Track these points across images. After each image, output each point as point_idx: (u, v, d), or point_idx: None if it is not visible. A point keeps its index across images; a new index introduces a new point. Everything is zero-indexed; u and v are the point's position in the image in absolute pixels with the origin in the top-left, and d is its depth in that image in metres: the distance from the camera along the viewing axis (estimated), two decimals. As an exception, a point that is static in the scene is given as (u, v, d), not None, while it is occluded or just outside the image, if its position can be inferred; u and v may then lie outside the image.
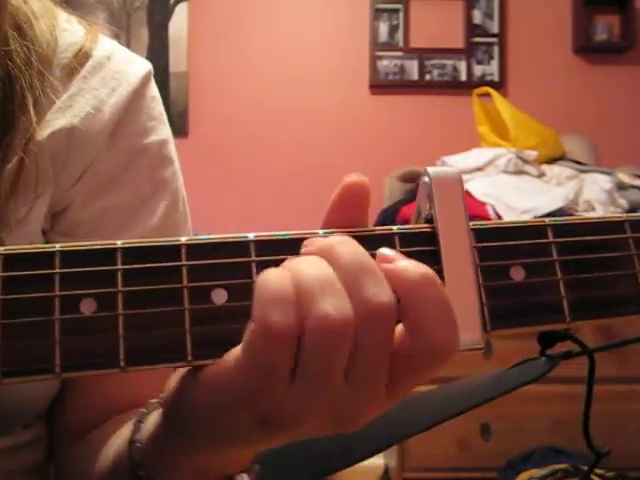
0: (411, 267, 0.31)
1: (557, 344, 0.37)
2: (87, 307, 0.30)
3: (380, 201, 2.62)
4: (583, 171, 2.39)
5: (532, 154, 2.36)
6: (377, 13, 2.83)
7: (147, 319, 0.31)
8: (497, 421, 1.98)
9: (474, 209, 2.22)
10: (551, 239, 0.34)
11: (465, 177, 2.32)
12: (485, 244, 0.34)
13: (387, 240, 0.33)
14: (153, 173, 0.57)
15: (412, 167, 2.63)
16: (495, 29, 2.86)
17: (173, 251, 0.32)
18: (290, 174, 2.82)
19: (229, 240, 0.32)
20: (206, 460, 0.36)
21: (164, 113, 0.60)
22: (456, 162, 2.37)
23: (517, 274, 0.33)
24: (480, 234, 0.34)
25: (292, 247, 0.33)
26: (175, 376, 0.35)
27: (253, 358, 0.30)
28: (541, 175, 2.38)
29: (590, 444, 0.38)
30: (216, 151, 2.80)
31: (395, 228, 0.34)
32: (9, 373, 0.29)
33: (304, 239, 0.33)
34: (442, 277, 0.32)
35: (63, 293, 0.30)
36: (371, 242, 0.33)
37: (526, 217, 2.15)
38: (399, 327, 0.31)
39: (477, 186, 2.27)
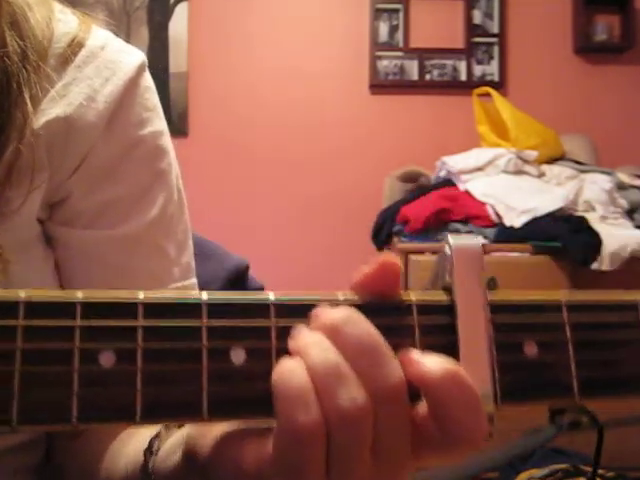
0: (435, 365, 0.31)
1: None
2: (106, 360, 0.31)
3: (380, 201, 2.62)
4: (583, 171, 2.39)
5: (532, 154, 2.36)
6: (377, 13, 2.83)
7: (165, 375, 0.31)
8: (497, 421, 1.98)
9: (474, 209, 2.22)
10: (565, 317, 0.35)
11: (465, 177, 2.32)
12: (501, 319, 0.34)
13: (405, 310, 0.34)
14: (150, 164, 0.57)
15: (412, 167, 2.63)
16: (495, 29, 2.86)
17: (194, 309, 0.32)
18: (290, 174, 2.82)
19: (250, 302, 0.33)
20: None
21: (159, 104, 0.60)
22: (456, 162, 2.37)
23: (530, 350, 0.34)
24: (496, 307, 0.34)
25: (310, 310, 0.34)
26: (206, 440, 0.35)
27: (285, 458, 0.30)
28: (541, 175, 2.38)
29: None
30: (216, 151, 2.81)
31: (414, 298, 0.34)
32: (24, 421, 0.30)
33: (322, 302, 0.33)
34: (457, 349, 0.33)
35: (83, 346, 0.31)
36: (388, 312, 0.34)
37: (526, 217, 2.15)
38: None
39: (477, 186, 2.27)
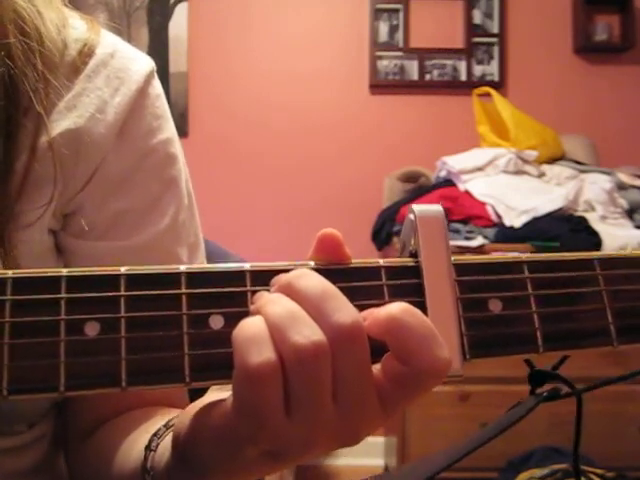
0: (390, 305, 0.33)
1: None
2: (91, 329, 0.32)
3: (380, 201, 2.62)
4: (583, 171, 2.39)
5: (532, 154, 2.36)
6: (377, 13, 2.83)
7: (148, 342, 0.32)
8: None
9: (474, 209, 2.22)
10: (527, 274, 0.37)
11: (465, 177, 2.32)
12: (466, 278, 0.36)
13: (374, 273, 0.36)
14: (162, 173, 0.57)
15: (412, 167, 2.63)
16: (495, 29, 2.86)
17: (174, 279, 0.34)
18: (290, 174, 2.82)
19: (226, 270, 0.34)
20: None
21: (167, 109, 0.60)
22: (456, 162, 2.37)
23: (495, 306, 0.36)
24: (461, 268, 0.36)
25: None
26: (186, 417, 0.36)
27: (242, 401, 0.31)
28: (541, 175, 2.38)
29: (578, 475, 0.40)
30: (216, 151, 2.80)
31: (381, 262, 0.36)
32: (15, 390, 0.31)
33: (294, 269, 0.35)
34: (425, 308, 0.35)
35: (68, 317, 0.32)
36: (358, 275, 0.35)
37: (526, 217, 2.15)
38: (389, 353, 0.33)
39: (477, 186, 2.27)
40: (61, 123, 0.52)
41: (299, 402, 0.31)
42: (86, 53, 0.54)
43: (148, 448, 0.43)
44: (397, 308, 0.32)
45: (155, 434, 0.44)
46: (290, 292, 0.33)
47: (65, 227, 0.54)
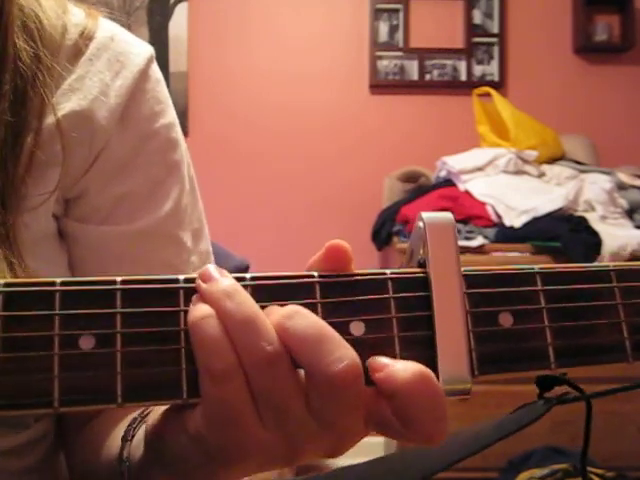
0: (405, 367, 0.31)
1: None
2: (86, 343, 0.31)
3: (380, 201, 2.62)
4: (583, 171, 2.39)
5: (532, 154, 2.36)
6: (377, 13, 2.83)
7: (144, 357, 0.32)
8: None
9: (474, 209, 2.22)
10: (539, 287, 0.35)
11: (465, 177, 2.32)
12: (475, 290, 0.35)
13: (380, 285, 0.34)
14: (164, 157, 0.57)
15: (412, 167, 2.63)
16: (495, 29, 2.86)
17: (171, 293, 0.33)
18: (290, 175, 2.82)
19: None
20: None
21: (168, 95, 0.60)
22: (456, 162, 2.37)
23: (505, 320, 0.34)
24: (471, 280, 0.35)
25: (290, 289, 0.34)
26: (157, 412, 0.36)
27: (210, 406, 0.31)
28: (541, 175, 2.38)
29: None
30: (216, 151, 2.80)
31: (389, 272, 0.35)
32: (6, 406, 0.30)
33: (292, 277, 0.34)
34: (433, 322, 0.33)
35: (63, 332, 0.31)
36: (364, 287, 0.34)
37: (526, 217, 2.15)
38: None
39: (477, 186, 2.27)
40: (65, 105, 0.52)
41: (268, 409, 0.31)
42: (86, 36, 0.54)
43: (124, 439, 0.43)
44: (410, 373, 0.31)
45: (131, 424, 0.44)
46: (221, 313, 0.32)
47: (68, 212, 0.54)
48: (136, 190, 0.55)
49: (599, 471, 1.78)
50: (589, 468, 1.77)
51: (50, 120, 0.50)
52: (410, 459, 0.42)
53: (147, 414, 0.43)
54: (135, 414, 0.45)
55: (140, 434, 0.42)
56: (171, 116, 0.59)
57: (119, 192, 0.54)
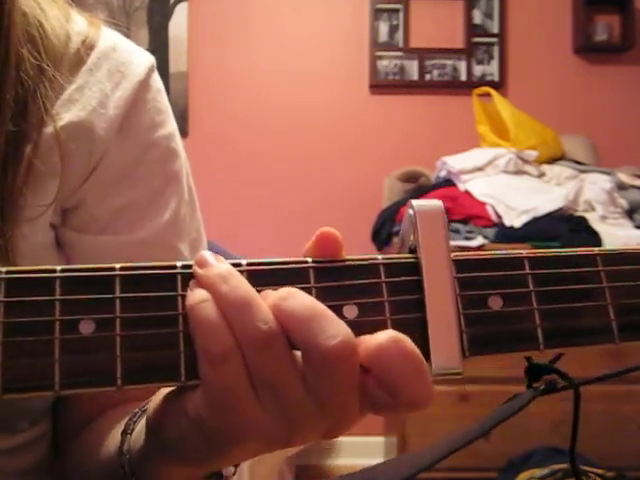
0: (380, 335, 0.32)
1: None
2: (86, 327, 0.32)
3: (380, 201, 2.62)
4: (583, 171, 2.39)
5: (532, 154, 2.36)
6: (377, 13, 2.83)
7: (143, 341, 0.32)
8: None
9: (474, 209, 2.22)
10: (528, 270, 0.36)
11: (465, 177, 2.32)
12: (465, 274, 0.36)
13: (372, 270, 0.35)
14: (163, 167, 0.57)
15: (412, 167, 2.63)
16: (495, 29, 2.86)
17: (169, 279, 0.34)
18: (290, 174, 2.82)
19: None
20: (192, 472, 0.38)
21: (169, 105, 0.60)
22: (456, 162, 2.37)
23: (495, 303, 0.35)
24: (461, 265, 0.36)
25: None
26: (158, 397, 0.36)
27: (210, 388, 0.32)
28: (541, 175, 2.38)
29: (577, 472, 0.39)
30: (216, 151, 2.80)
31: (380, 257, 0.35)
32: (10, 390, 0.31)
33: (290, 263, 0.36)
34: (424, 305, 0.34)
35: (63, 317, 0.32)
36: (357, 272, 0.35)
37: (526, 217, 2.15)
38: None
39: (477, 186, 2.27)
40: (64, 116, 0.52)
41: (266, 390, 0.31)
42: (88, 45, 0.54)
43: (124, 432, 0.44)
44: (384, 338, 0.31)
45: (131, 418, 0.44)
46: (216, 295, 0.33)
47: (65, 221, 0.54)
48: (135, 200, 0.55)
49: (599, 471, 1.78)
50: (589, 468, 1.77)
51: (49, 131, 0.50)
52: (403, 460, 0.42)
53: (146, 408, 0.43)
54: (136, 409, 0.45)
55: (140, 426, 0.42)
56: (171, 126, 0.59)
57: (118, 202, 0.54)
